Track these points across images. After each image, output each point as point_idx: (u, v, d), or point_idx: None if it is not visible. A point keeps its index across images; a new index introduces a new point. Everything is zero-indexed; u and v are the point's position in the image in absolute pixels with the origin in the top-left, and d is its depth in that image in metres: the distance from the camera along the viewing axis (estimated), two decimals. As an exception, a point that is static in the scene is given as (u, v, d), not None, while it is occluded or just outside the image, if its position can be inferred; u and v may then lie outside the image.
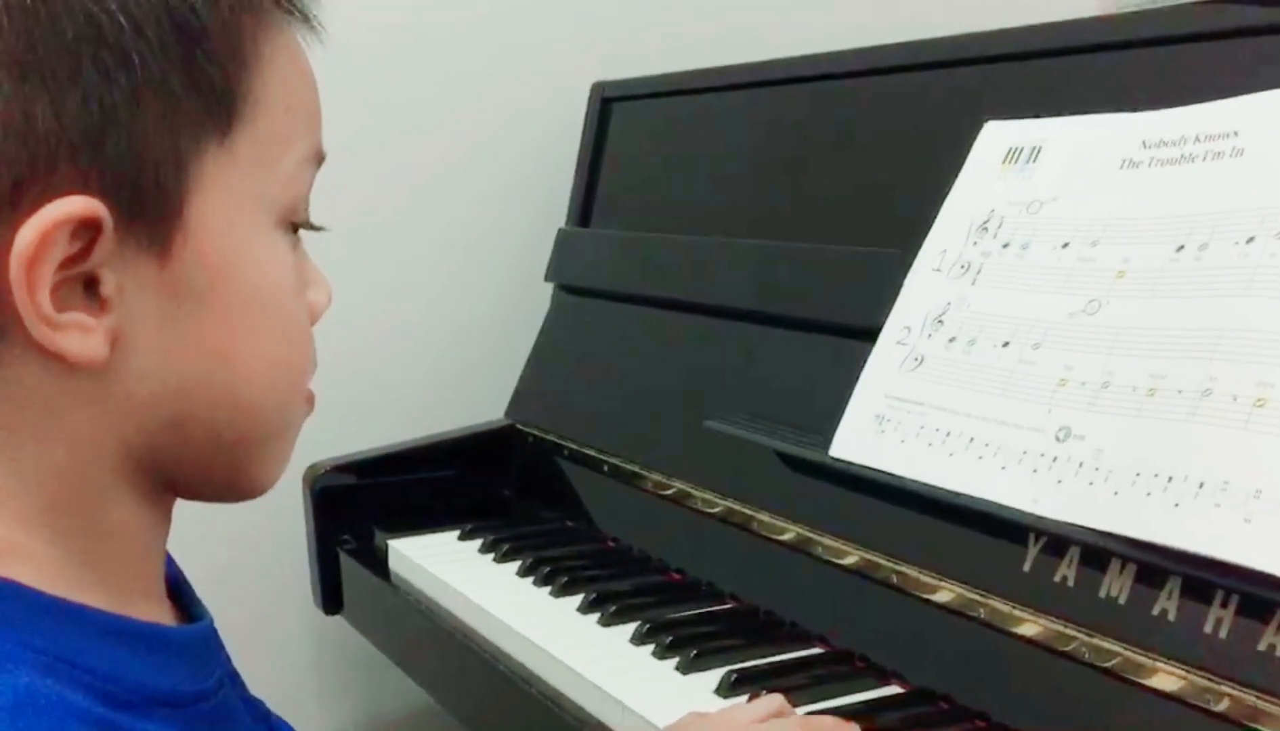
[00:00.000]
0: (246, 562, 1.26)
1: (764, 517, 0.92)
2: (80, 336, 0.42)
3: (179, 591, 0.53)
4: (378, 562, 1.13)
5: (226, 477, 0.50)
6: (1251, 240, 0.65)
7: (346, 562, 1.16)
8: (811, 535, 0.88)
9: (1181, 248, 0.69)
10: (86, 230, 0.42)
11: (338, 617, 1.19)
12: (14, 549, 0.44)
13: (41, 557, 0.44)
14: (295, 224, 0.49)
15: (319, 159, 0.50)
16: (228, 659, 0.55)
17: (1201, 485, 0.61)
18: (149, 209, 0.43)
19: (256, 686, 0.59)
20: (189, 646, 0.49)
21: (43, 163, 0.41)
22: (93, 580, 0.45)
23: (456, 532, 1.13)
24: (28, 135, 0.41)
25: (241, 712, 0.53)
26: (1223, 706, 0.61)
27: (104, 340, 0.43)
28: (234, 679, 0.54)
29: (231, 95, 0.45)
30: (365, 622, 1.17)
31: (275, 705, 0.62)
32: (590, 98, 1.33)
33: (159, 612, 0.50)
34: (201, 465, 0.48)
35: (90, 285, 0.43)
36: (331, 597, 1.18)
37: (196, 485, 0.49)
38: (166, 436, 0.46)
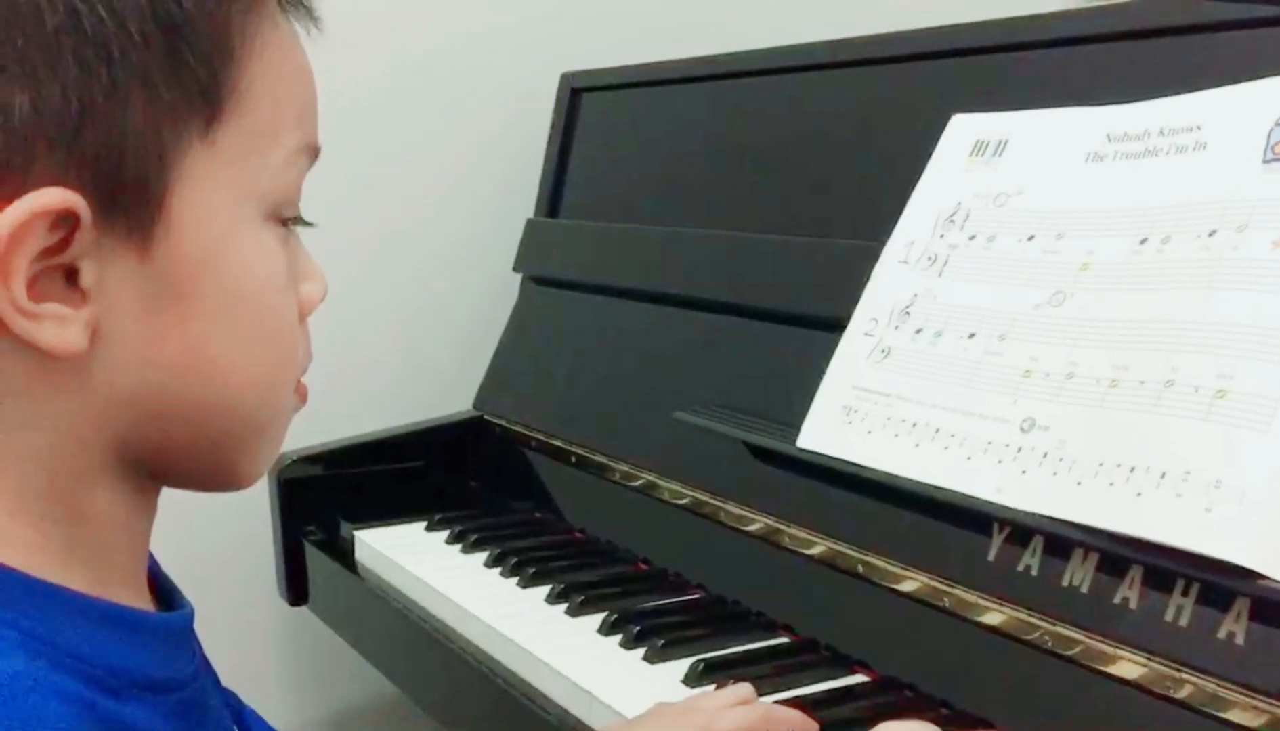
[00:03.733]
0: (211, 553, 1.25)
1: (731, 508, 0.93)
2: (56, 327, 0.42)
3: (156, 580, 0.53)
4: (344, 553, 1.13)
5: (211, 469, 0.49)
6: (1214, 233, 0.66)
7: (312, 553, 1.15)
8: (779, 525, 0.88)
9: (1145, 240, 0.70)
10: (65, 222, 0.42)
11: (303, 609, 1.19)
12: None
13: (25, 542, 0.44)
14: (285, 217, 0.48)
15: (312, 152, 0.49)
16: (201, 649, 0.54)
17: (1163, 475, 0.62)
18: (129, 202, 0.43)
19: (221, 677, 0.59)
20: (169, 633, 0.49)
21: (20, 154, 0.41)
22: (76, 566, 0.45)
23: (423, 523, 1.12)
24: (6, 126, 0.41)
25: (217, 701, 0.53)
26: (1183, 693, 0.62)
27: (82, 331, 0.43)
28: (208, 668, 0.54)
29: (216, 88, 0.45)
30: (331, 614, 1.17)
31: (240, 696, 0.62)
32: (559, 88, 1.33)
33: (139, 600, 0.50)
34: (185, 457, 0.48)
35: (70, 276, 0.43)
36: (297, 589, 1.17)
37: (181, 476, 0.49)
38: (149, 428, 0.46)
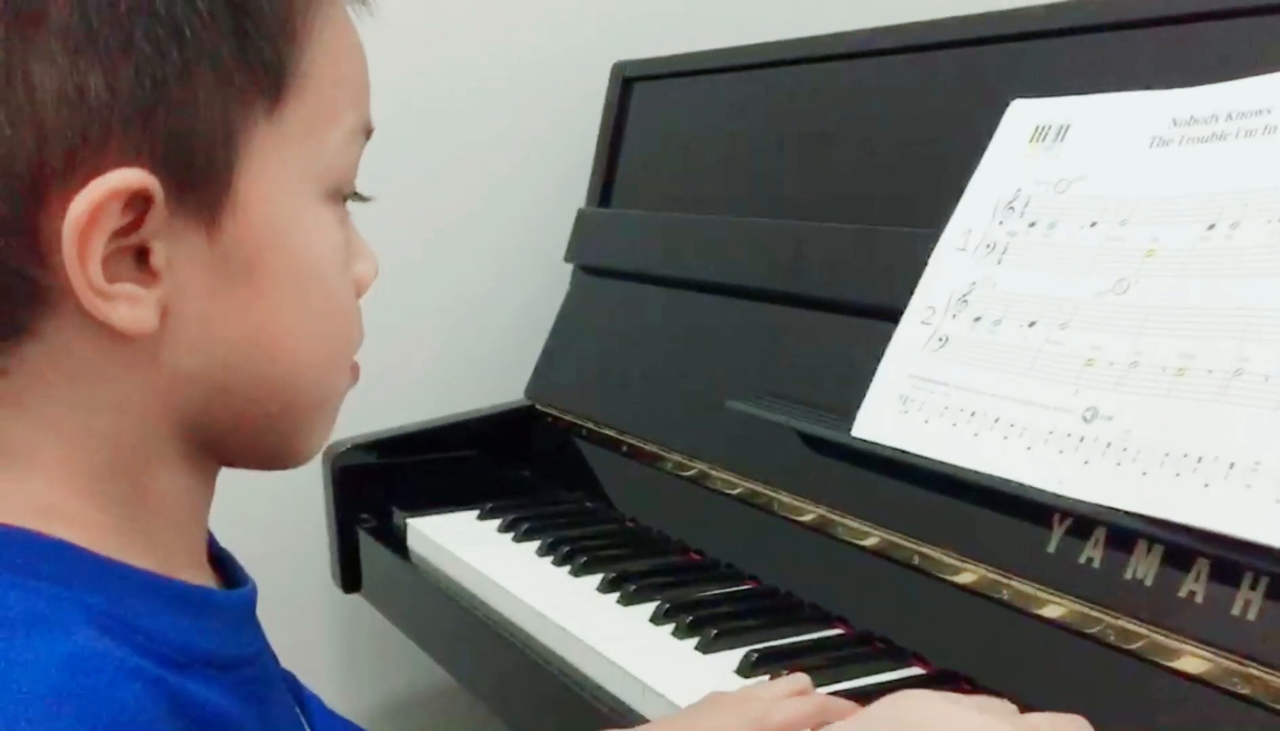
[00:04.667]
0: (266, 540, 1.26)
1: (785, 498, 0.92)
2: (130, 307, 0.43)
3: (219, 559, 0.53)
4: (397, 541, 1.13)
5: (270, 447, 0.50)
6: (1284, 219, 0.64)
7: (366, 541, 1.16)
8: (832, 516, 0.87)
9: (1212, 226, 0.68)
10: (138, 202, 0.42)
11: (356, 595, 1.19)
12: (64, 513, 0.44)
13: (90, 522, 0.45)
14: (343, 196, 0.49)
15: (367, 132, 0.50)
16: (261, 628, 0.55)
17: (1232, 466, 0.60)
18: (199, 181, 0.44)
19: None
20: (233, 611, 0.50)
21: (95, 134, 0.42)
22: (139, 544, 0.46)
23: (476, 512, 1.13)
24: (81, 107, 0.41)
25: (280, 681, 0.53)
26: (1250, 689, 0.61)
27: (153, 311, 0.44)
28: (268, 647, 0.55)
29: (281, 68, 0.45)
30: (384, 601, 1.18)
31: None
32: (611, 78, 1.32)
33: (202, 578, 0.50)
34: (246, 434, 0.49)
35: (140, 256, 0.43)
36: (350, 576, 1.18)
37: (240, 453, 0.50)
38: (212, 406, 0.47)
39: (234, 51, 0.44)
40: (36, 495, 0.44)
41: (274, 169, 0.45)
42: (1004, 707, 0.61)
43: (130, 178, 0.42)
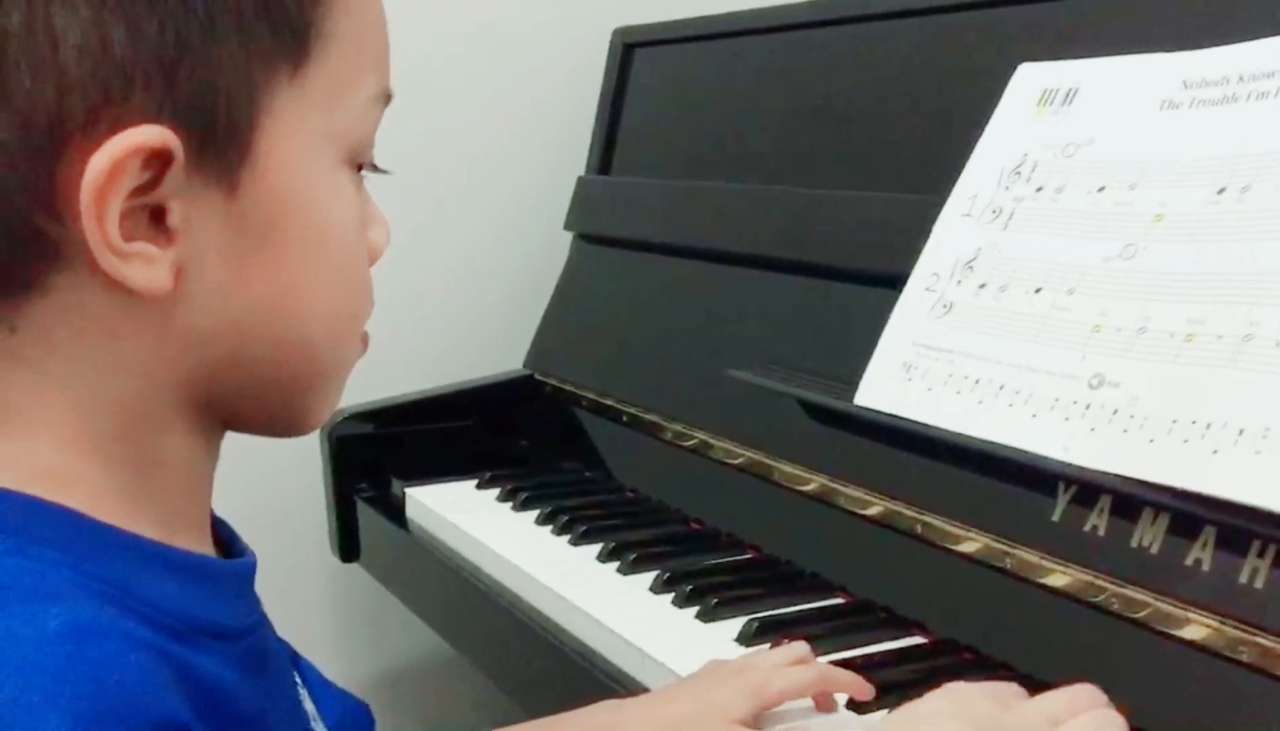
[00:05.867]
0: (264, 510, 1.25)
1: (786, 468, 0.91)
2: (145, 266, 0.42)
3: (218, 528, 0.53)
4: (395, 510, 1.13)
5: (279, 413, 0.50)
6: (1296, 182, 0.63)
7: (364, 510, 1.16)
8: (834, 485, 0.86)
9: (1223, 190, 0.67)
10: (157, 160, 0.42)
11: (354, 565, 1.19)
12: (70, 476, 0.44)
13: (96, 486, 0.44)
14: (360, 163, 0.49)
15: (386, 98, 0.49)
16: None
17: (1241, 432, 0.59)
18: (219, 141, 0.43)
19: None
20: (234, 580, 0.49)
21: (118, 90, 0.41)
22: (144, 510, 0.45)
23: (474, 481, 1.12)
24: (104, 62, 0.41)
25: (277, 649, 0.53)
26: (1256, 657, 0.60)
27: (168, 271, 0.43)
28: (265, 617, 0.54)
29: (305, 29, 0.45)
30: (382, 570, 1.17)
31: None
32: (612, 44, 1.31)
33: (204, 546, 0.50)
34: (256, 400, 0.48)
35: (157, 216, 0.43)
36: (348, 545, 1.18)
37: (248, 418, 0.49)
38: (224, 370, 0.46)
39: (259, 11, 0.43)
40: (41, 457, 0.44)
41: (294, 131, 0.45)
42: (1016, 691, 0.60)
43: (153, 135, 0.41)
